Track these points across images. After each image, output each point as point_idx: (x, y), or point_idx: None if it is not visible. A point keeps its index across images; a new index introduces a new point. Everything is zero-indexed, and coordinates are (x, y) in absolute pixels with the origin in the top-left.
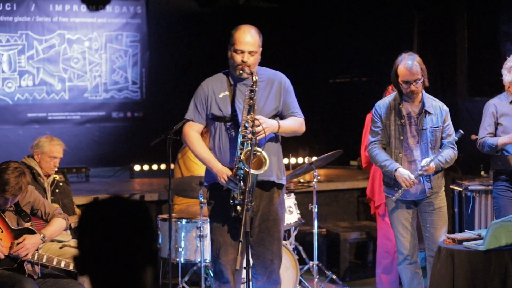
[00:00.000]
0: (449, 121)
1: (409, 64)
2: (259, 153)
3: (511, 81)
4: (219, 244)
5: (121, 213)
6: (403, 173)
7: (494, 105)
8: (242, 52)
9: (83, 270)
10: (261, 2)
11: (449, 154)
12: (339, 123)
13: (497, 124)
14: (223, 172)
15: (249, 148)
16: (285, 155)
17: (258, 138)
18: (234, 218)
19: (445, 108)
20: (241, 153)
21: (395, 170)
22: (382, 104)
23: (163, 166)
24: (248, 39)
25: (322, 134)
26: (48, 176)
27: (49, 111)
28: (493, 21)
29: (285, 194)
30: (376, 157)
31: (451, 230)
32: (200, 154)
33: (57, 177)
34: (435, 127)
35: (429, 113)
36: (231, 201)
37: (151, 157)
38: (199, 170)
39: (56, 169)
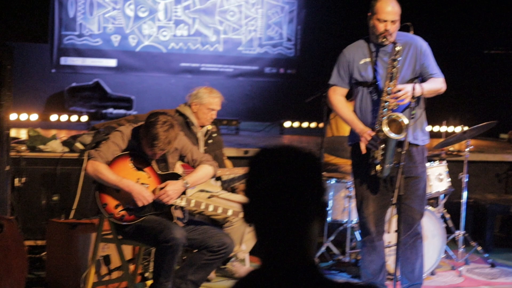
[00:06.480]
0: None
1: None
2: (400, 119)
3: None
4: (361, 198)
5: (292, 163)
6: None
7: None
8: (385, 21)
9: (250, 218)
10: None
11: None
12: (491, 95)
13: None
14: (364, 131)
15: (391, 113)
16: (438, 122)
17: (400, 104)
18: (374, 174)
19: None
20: (383, 117)
21: None
22: None
23: (313, 125)
24: (389, 9)
25: (473, 104)
26: (202, 126)
27: (202, 62)
28: None
29: (437, 162)
30: None
31: None
32: (344, 115)
33: (210, 127)
34: None
35: None
36: (370, 160)
37: (301, 114)
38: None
39: None
